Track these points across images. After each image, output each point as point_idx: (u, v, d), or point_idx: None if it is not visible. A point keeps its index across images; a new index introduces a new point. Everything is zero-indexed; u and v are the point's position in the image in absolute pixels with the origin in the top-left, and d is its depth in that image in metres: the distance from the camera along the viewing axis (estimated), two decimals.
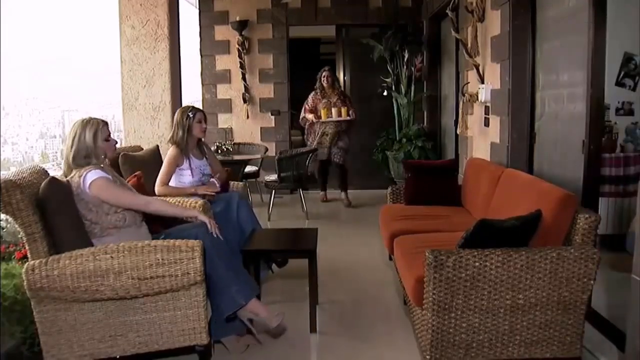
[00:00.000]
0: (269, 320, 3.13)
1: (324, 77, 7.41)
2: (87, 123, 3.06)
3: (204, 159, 4.44)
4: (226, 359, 3.29)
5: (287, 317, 3.78)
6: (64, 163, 3.09)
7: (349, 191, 7.74)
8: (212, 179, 4.32)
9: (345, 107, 7.33)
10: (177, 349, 3.00)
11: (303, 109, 7.62)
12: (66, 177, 3.06)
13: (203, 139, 4.48)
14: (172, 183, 4.25)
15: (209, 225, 3.21)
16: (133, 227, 3.15)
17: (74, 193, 2.98)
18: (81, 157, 3.04)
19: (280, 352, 3.38)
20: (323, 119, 7.31)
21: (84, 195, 2.98)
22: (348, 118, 7.31)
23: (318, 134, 7.45)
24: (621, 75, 4.10)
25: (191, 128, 4.29)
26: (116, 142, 3.23)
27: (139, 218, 3.25)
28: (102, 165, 3.13)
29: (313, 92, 7.54)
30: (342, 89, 7.74)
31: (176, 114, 4.36)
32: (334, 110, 7.31)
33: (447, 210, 4.58)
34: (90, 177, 2.97)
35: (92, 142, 3.04)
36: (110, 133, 3.16)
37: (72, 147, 3.04)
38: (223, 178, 4.46)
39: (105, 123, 3.13)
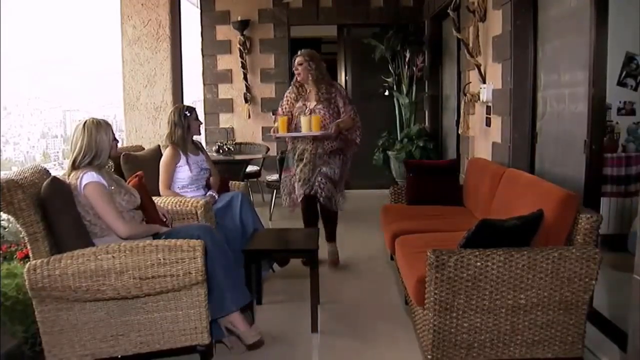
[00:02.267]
0: (245, 336, 3.15)
1: (294, 66, 4.86)
2: (98, 124, 3.08)
3: (200, 154, 4.47)
4: (227, 358, 3.29)
5: (288, 317, 3.82)
6: (68, 165, 3.10)
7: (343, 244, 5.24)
8: (210, 192, 4.34)
9: (328, 114, 4.74)
10: (179, 348, 3.00)
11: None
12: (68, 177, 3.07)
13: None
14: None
15: None
16: (134, 224, 3.16)
17: (73, 194, 2.99)
18: (89, 159, 3.04)
19: (281, 351, 3.37)
20: (280, 132, 4.79)
21: (80, 197, 2.98)
22: (316, 134, 4.64)
23: (295, 158, 4.97)
24: (623, 75, 4.09)
25: (190, 126, 4.32)
26: (117, 141, 3.26)
27: (139, 218, 3.26)
28: (106, 167, 3.17)
29: (290, 88, 5.05)
30: (330, 81, 4.93)
31: (170, 115, 4.38)
32: (302, 121, 4.67)
33: (448, 210, 4.58)
34: (86, 179, 2.98)
35: (108, 142, 3.09)
36: (114, 134, 3.20)
37: (82, 149, 3.04)
38: (217, 181, 4.49)
39: (109, 124, 3.17)
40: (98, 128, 3.07)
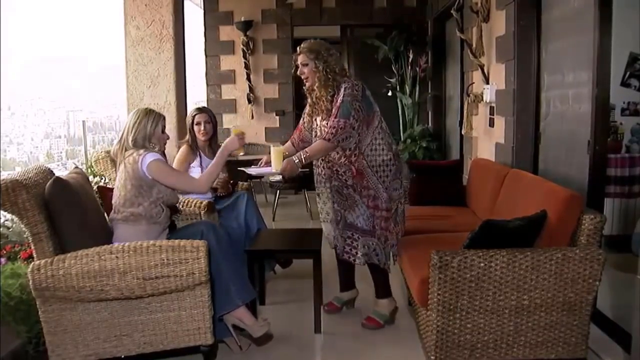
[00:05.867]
0: (253, 329, 3.18)
1: (298, 69, 3.64)
2: (149, 112, 3.25)
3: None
4: (230, 358, 3.29)
5: (291, 318, 3.81)
6: (117, 143, 3.23)
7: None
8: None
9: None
10: (182, 349, 3.01)
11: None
12: (117, 156, 3.21)
13: (212, 140, 4.46)
14: None
15: None
16: (160, 226, 3.22)
17: (127, 172, 3.10)
18: (141, 140, 3.17)
19: (284, 352, 3.37)
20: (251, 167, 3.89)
21: (141, 174, 3.09)
22: (262, 172, 3.82)
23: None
24: (627, 75, 4.09)
25: (193, 131, 4.31)
26: (168, 137, 3.39)
27: (167, 222, 3.30)
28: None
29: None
30: (341, 79, 3.53)
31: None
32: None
33: (451, 210, 4.57)
34: (150, 158, 3.10)
35: (152, 130, 3.21)
36: (165, 126, 3.33)
37: (133, 130, 3.17)
38: (226, 185, 4.41)
39: (163, 117, 3.33)
40: (147, 115, 3.23)
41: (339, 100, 3.45)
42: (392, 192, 3.59)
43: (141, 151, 3.13)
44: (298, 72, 3.64)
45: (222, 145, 3.45)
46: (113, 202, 3.19)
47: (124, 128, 3.23)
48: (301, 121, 3.87)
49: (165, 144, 3.37)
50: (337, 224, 3.66)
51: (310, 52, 3.56)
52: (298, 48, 3.63)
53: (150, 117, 3.23)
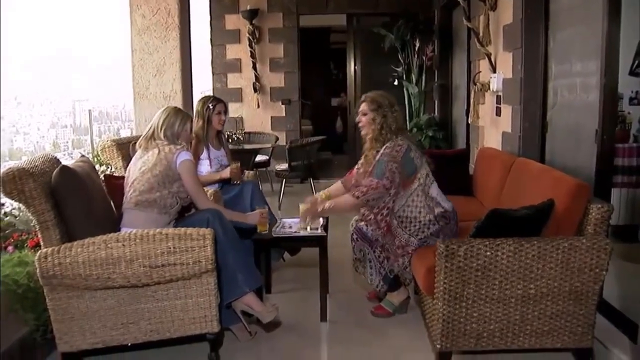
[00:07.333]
0: (261, 315, 3.19)
1: (358, 112, 3.65)
2: (177, 112, 3.45)
3: (222, 149, 4.43)
4: (236, 346, 3.30)
5: (297, 306, 3.82)
6: (145, 135, 3.40)
7: None
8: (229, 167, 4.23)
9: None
10: (188, 336, 3.02)
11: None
12: (140, 145, 3.38)
13: (222, 131, 4.45)
14: None
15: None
16: (169, 217, 3.27)
17: (160, 158, 3.24)
18: (170, 136, 3.36)
19: (290, 340, 3.39)
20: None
21: (172, 165, 3.24)
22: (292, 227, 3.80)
23: None
24: (635, 64, 4.06)
25: (211, 119, 4.27)
26: (193, 138, 3.65)
27: (176, 215, 3.34)
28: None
29: None
30: (390, 137, 3.50)
31: (197, 104, 4.36)
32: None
33: (458, 199, 4.53)
34: (184, 156, 3.28)
35: (180, 130, 3.40)
36: (192, 127, 3.56)
37: (163, 126, 3.36)
38: (239, 175, 4.29)
39: (190, 118, 3.52)
40: (176, 114, 3.42)
41: (376, 159, 3.43)
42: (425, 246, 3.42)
43: (178, 146, 3.32)
44: (357, 120, 3.63)
45: (248, 215, 3.70)
46: (128, 186, 3.25)
47: (154, 122, 3.39)
48: (356, 166, 3.76)
49: (190, 142, 3.53)
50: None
51: (372, 103, 3.54)
52: (364, 96, 3.62)
53: (178, 117, 3.40)
